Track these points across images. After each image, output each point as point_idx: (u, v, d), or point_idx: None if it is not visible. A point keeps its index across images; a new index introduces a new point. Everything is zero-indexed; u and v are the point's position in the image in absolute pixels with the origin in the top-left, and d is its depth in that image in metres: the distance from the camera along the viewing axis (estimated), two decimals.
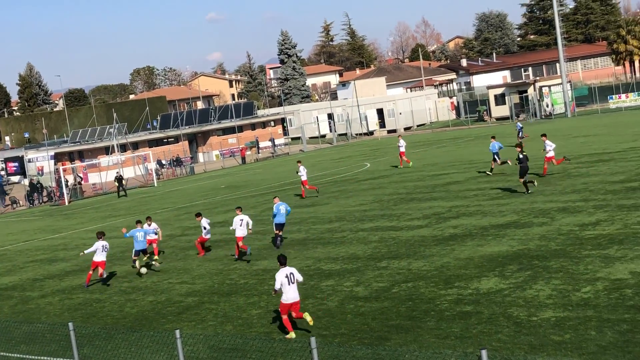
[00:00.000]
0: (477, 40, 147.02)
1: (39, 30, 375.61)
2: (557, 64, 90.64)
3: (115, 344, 17.40)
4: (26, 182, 71.06)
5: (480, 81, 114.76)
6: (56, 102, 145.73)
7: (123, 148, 76.21)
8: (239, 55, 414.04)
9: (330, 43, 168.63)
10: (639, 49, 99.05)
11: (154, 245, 27.08)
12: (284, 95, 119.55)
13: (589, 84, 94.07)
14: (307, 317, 16.20)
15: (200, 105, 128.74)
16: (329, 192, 40.16)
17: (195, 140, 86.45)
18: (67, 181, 63.10)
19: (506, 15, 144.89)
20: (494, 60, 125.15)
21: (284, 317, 16.36)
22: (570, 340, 13.74)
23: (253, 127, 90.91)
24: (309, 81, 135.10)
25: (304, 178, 39.37)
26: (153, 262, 26.11)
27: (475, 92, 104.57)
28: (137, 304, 21.50)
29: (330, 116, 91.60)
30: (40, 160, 76.41)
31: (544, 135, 35.57)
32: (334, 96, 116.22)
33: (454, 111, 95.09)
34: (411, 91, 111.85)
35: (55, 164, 73.24)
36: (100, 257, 24.60)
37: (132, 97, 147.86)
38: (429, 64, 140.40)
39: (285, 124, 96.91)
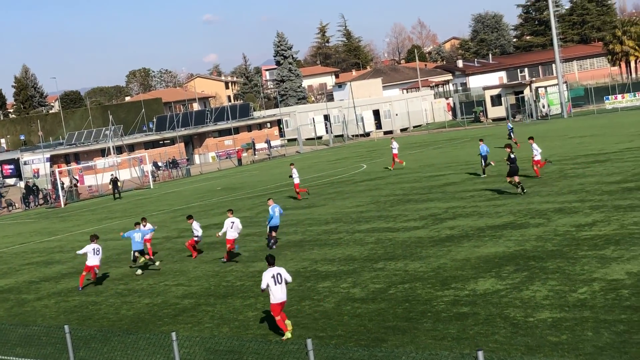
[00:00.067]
0: (473, 41, 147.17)
1: (34, 32, 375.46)
2: (553, 65, 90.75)
3: (111, 347, 17.36)
4: (22, 184, 70.92)
5: (476, 82, 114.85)
6: (52, 104, 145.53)
7: (119, 150, 76.14)
8: (234, 56, 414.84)
9: (326, 44, 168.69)
10: (634, 50, 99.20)
11: (148, 245, 27.13)
12: (280, 97, 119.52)
13: (585, 84, 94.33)
14: (289, 326, 16.26)
15: (196, 107, 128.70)
16: (326, 194, 40.15)
17: (192, 142, 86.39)
18: (63, 183, 62.97)
19: (502, 16, 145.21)
20: (490, 61, 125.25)
21: (277, 318, 16.35)
22: (567, 341, 13.74)
23: (249, 128, 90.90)
24: (305, 83, 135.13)
25: (296, 181, 39.33)
26: (155, 265, 26.14)
27: (472, 93, 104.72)
28: (133, 306, 21.46)
29: (326, 117, 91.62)
30: (36, 163, 76.32)
31: (531, 138, 35.56)
32: (330, 97, 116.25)
33: (450, 112, 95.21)
34: (407, 92, 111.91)
35: (51, 166, 73.18)
36: (92, 260, 24.65)
37: (127, 99, 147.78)
38: (425, 65, 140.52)
39: (281, 126, 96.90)
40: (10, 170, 78.93)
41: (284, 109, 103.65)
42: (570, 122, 67.75)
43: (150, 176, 67.43)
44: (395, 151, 47.67)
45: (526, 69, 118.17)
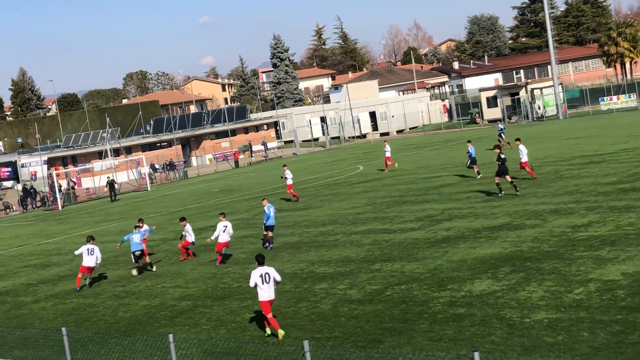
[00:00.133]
0: (468, 43, 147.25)
1: (31, 35, 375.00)
2: (549, 66, 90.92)
3: (108, 349, 17.40)
4: (19, 187, 70.91)
5: (472, 84, 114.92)
6: (49, 106, 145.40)
7: (116, 152, 76.13)
8: (231, 59, 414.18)
9: (323, 47, 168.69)
10: (629, 51, 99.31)
11: (144, 245, 27.22)
12: (276, 99, 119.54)
13: (581, 86, 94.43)
14: (269, 329, 16.62)
15: (193, 109, 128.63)
16: (322, 195, 40.20)
17: (189, 144, 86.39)
18: (60, 186, 62.97)
19: (497, 18, 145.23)
20: (486, 63, 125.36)
21: (269, 316, 16.53)
22: (563, 342, 13.80)
23: (246, 130, 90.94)
24: (302, 85, 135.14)
25: (289, 182, 39.39)
26: (152, 269, 26.21)
27: (468, 95, 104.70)
28: (130, 308, 21.49)
29: (322, 119, 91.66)
30: (34, 165, 76.28)
31: (517, 139, 35.69)
32: (326, 99, 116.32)
33: (446, 114, 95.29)
34: (403, 94, 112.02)
35: (48, 169, 73.14)
36: (87, 261, 24.79)
37: (125, 101, 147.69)
38: (421, 66, 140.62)
39: (278, 128, 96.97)
40: (8, 173, 78.86)
41: (281, 111, 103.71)
42: (566, 124, 67.86)
43: (147, 178, 67.43)
44: (388, 154, 47.71)
45: (522, 71, 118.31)
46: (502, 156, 30.61)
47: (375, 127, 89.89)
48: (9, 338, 19.11)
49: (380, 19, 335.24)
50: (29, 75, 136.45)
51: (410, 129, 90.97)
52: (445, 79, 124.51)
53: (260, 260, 16.74)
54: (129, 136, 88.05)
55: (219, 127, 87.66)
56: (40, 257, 34.05)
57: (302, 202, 38.59)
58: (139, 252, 26.03)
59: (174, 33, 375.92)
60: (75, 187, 69.07)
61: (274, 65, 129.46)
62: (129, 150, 79.05)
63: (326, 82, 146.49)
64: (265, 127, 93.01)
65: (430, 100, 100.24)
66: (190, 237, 27.16)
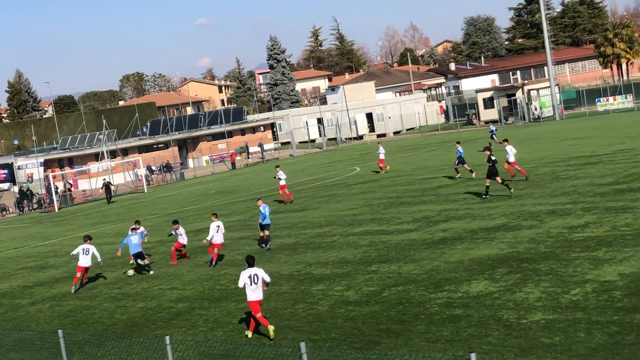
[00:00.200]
0: (465, 44, 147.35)
1: (27, 37, 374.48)
2: (545, 67, 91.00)
3: (105, 351, 17.38)
4: (16, 189, 70.81)
5: (468, 85, 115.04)
6: (45, 108, 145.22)
7: (113, 154, 76.05)
8: (228, 60, 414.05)
9: (319, 48, 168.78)
10: (626, 52, 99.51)
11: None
12: (273, 101, 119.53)
13: (577, 87, 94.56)
14: (250, 334, 16.83)
15: (189, 110, 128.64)
16: (319, 197, 40.19)
17: (185, 146, 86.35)
18: (56, 188, 62.90)
19: (494, 19, 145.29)
20: (482, 64, 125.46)
21: (258, 315, 16.67)
22: (560, 343, 13.80)
23: (243, 132, 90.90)
24: (298, 86, 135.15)
25: (282, 183, 39.40)
26: (149, 271, 26.20)
27: (464, 96, 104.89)
28: (127, 310, 21.46)
29: (319, 121, 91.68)
30: (30, 167, 76.15)
31: (505, 140, 35.73)
32: (323, 101, 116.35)
33: (443, 115, 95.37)
34: (400, 95, 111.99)
35: (44, 171, 73.00)
36: (82, 261, 24.82)
37: (121, 103, 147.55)
38: (418, 68, 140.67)
39: (274, 129, 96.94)
40: (4, 175, 78.71)
41: (278, 112, 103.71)
42: (562, 124, 67.95)
43: (144, 180, 67.38)
44: (381, 156, 47.66)
45: (518, 72, 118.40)
46: (493, 158, 30.66)
47: (372, 129, 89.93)
48: (5, 341, 19.09)
49: (376, 20, 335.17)
50: (25, 77, 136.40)
51: (407, 130, 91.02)
52: (441, 80, 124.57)
53: (250, 262, 16.96)
54: (125, 138, 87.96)
55: (216, 129, 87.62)
56: (36, 259, 34.00)
57: (298, 203, 38.58)
58: (139, 254, 25.99)
59: (171, 35, 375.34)
60: (72, 189, 68.99)
61: (271, 67, 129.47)
62: (125, 152, 78.96)
63: (323, 84, 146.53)
64: (262, 128, 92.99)
65: (427, 101, 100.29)
66: (183, 239, 27.25)
